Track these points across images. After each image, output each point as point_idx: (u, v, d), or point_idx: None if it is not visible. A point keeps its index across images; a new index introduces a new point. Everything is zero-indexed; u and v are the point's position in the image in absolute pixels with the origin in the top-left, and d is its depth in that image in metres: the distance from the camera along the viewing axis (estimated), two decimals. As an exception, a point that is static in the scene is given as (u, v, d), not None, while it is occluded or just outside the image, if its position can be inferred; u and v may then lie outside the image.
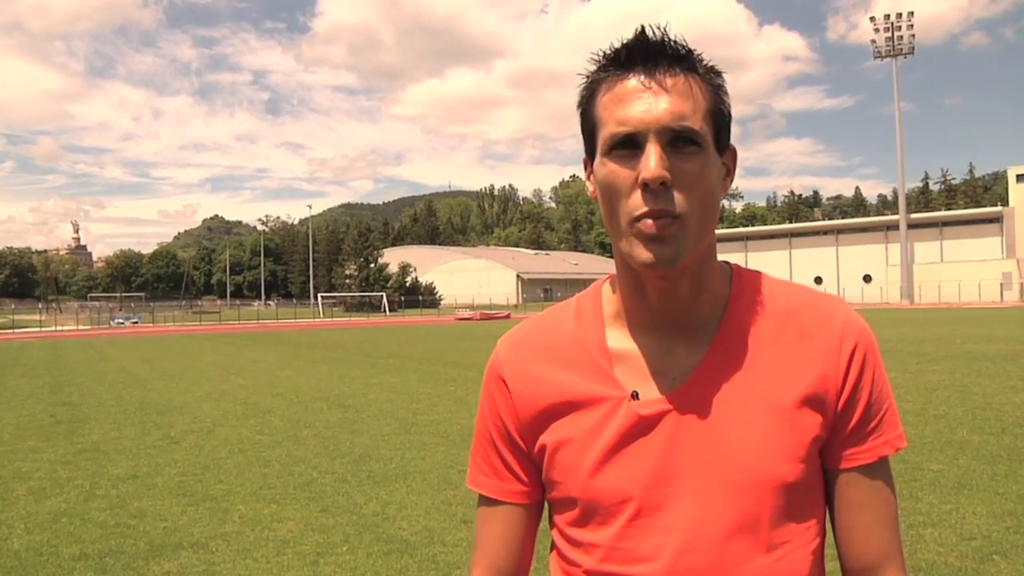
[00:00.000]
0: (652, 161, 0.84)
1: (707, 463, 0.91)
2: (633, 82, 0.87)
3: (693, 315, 0.95)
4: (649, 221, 0.85)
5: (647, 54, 0.88)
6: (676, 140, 0.85)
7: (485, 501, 1.06)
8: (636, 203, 0.85)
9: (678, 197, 0.85)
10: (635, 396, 0.94)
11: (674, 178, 0.84)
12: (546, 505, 1.06)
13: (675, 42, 0.88)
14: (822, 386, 0.92)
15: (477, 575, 1.06)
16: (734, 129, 0.96)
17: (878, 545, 0.95)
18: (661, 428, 0.92)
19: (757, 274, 1.01)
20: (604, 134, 0.88)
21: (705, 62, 0.91)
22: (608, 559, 0.94)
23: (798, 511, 0.92)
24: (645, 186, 0.84)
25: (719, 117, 0.89)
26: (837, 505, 0.96)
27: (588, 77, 0.92)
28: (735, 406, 0.92)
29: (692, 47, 0.90)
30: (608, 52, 0.90)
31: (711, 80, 0.90)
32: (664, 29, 0.89)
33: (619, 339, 0.98)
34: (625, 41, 0.89)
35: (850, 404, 0.93)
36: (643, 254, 0.86)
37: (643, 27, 0.89)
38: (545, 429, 0.98)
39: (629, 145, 0.86)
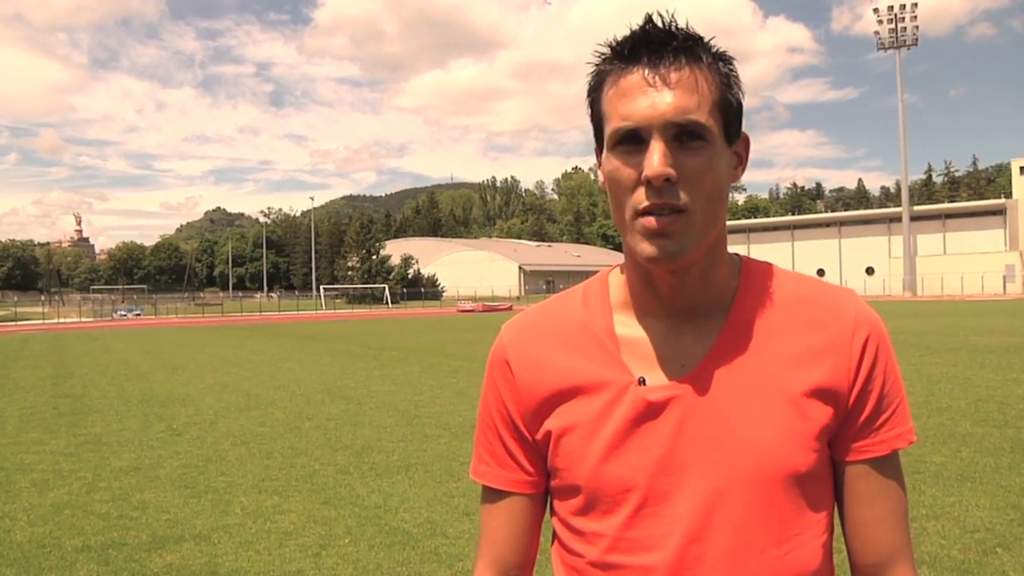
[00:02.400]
0: (656, 158, 0.83)
1: (717, 451, 0.89)
2: (636, 77, 0.85)
3: (702, 304, 0.94)
4: (652, 217, 0.84)
5: (651, 46, 0.86)
6: (681, 135, 0.84)
7: (489, 492, 1.04)
8: (640, 198, 0.85)
9: (683, 192, 0.84)
10: (642, 382, 0.92)
11: (679, 173, 0.84)
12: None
13: (681, 32, 0.87)
14: (834, 377, 0.91)
15: (482, 567, 1.04)
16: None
17: (889, 540, 0.93)
18: (669, 414, 0.91)
19: (767, 265, 1.00)
20: (609, 129, 0.88)
21: (714, 50, 0.88)
22: (613, 549, 0.92)
23: (810, 503, 0.90)
24: (648, 182, 0.83)
25: (727, 108, 0.88)
26: (848, 498, 0.94)
27: (595, 68, 0.91)
28: (746, 393, 0.90)
29: (701, 35, 0.88)
30: (614, 43, 0.89)
31: (719, 69, 0.88)
32: (672, 17, 0.87)
33: (626, 325, 0.97)
34: (631, 32, 0.88)
35: (863, 396, 0.92)
36: (647, 249, 0.85)
37: (649, 16, 0.87)
38: (550, 415, 0.96)
39: (634, 140, 0.85)
